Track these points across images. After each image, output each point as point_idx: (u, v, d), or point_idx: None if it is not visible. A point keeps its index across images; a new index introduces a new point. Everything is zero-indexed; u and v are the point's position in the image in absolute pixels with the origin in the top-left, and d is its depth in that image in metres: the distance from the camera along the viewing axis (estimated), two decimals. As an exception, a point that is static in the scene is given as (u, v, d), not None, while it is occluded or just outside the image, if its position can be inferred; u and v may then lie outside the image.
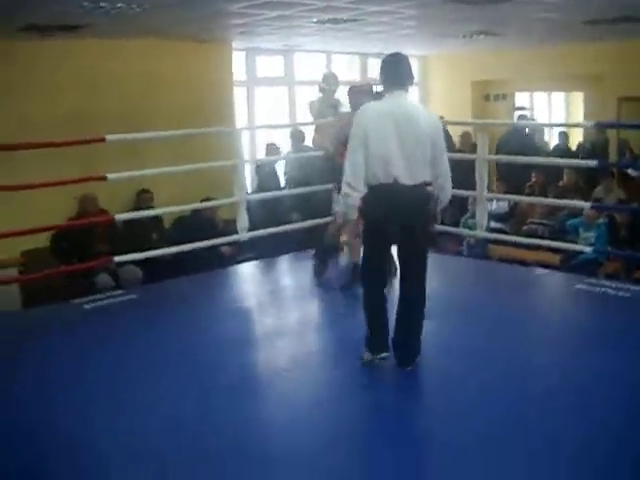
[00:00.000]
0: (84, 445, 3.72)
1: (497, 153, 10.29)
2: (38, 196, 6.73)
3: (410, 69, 4.49)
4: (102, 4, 6.09)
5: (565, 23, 8.43)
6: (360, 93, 6.26)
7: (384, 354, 4.47)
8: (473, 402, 4.04)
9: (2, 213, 6.92)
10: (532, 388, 4.24)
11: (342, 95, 6.91)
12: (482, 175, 7.01)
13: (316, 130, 7.59)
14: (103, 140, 6.23)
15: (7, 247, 7.15)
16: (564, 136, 11.74)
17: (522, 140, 11.00)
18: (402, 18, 7.85)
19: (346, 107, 7.68)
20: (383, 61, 4.49)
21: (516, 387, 4.23)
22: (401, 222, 4.35)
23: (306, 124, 8.81)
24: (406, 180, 4.28)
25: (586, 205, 7.31)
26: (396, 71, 4.42)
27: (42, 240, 7.66)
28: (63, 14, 6.52)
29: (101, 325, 5.65)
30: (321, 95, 7.63)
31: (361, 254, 4.86)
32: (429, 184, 4.40)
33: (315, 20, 7.89)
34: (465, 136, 11.49)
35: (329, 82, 7.52)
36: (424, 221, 4.46)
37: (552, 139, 12.79)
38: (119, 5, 6.21)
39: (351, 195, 4.31)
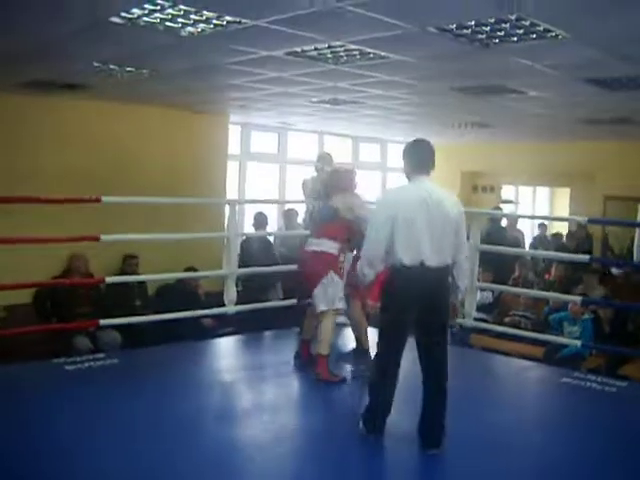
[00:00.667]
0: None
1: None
2: (24, 251, 6.69)
3: (433, 155, 4.56)
4: (112, 66, 6.15)
5: (558, 120, 8.63)
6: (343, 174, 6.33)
7: (378, 435, 4.46)
8: None
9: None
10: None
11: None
12: (473, 265, 7.02)
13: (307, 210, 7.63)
14: (99, 201, 6.19)
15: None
16: (543, 227, 11.91)
17: (498, 232, 11.13)
18: (404, 104, 8.00)
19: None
20: (409, 146, 4.58)
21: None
22: (425, 303, 4.34)
23: (296, 202, 8.84)
24: (432, 263, 4.29)
25: (576, 299, 7.33)
26: (421, 156, 4.51)
27: (25, 296, 7.57)
28: (71, 73, 6.57)
29: (82, 388, 5.51)
30: (315, 174, 7.70)
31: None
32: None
33: (315, 99, 8.01)
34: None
35: (324, 162, 7.59)
36: (447, 301, 4.48)
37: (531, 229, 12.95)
38: (129, 69, 6.27)
39: (370, 276, 4.38)
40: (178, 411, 5.07)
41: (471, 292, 7.17)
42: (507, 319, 9.35)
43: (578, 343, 7.13)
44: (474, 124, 9.66)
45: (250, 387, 5.84)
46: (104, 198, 6.25)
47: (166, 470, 4.09)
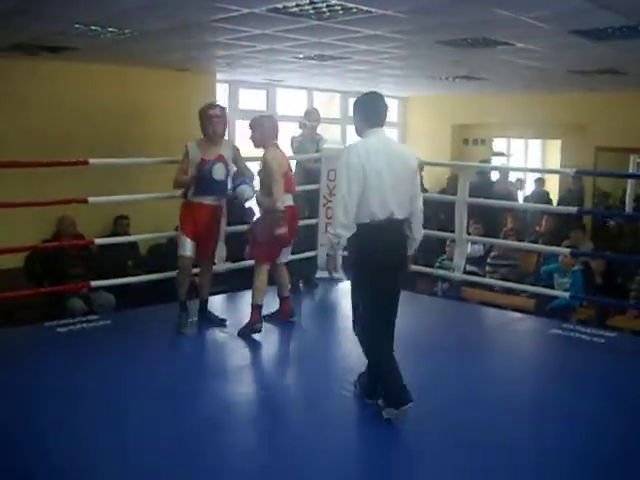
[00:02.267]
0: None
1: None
2: (13, 216, 6.68)
3: (387, 108, 4.51)
4: (93, 27, 6.08)
5: (549, 72, 8.57)
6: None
7: (410, 404, 4.24)
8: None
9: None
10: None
11: (324, 131, 7.04)
12: (462, 217, 7.03)
13: (297, 165, 7.60)
14: (86, 163, 6.19)
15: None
16: (540, 182, 11.86)
17: (485, 185, 11.13)
18: (390, 58, 7.93)
19: (328, 142, 7.78)
20: (361, 100, 4.46)
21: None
22: (394, 257, 4.35)
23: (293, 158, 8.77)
24: (399, 215, 4.30)
25: (565, 251, 7.36)
26: (376, 110, 4.42)
27: (16, 260, 7.57)
28: (53, 35, 6.50)
29: (75, 349, 5.56)
30: (302, 131, 7.69)
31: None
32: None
33: (302, 56, 7.94)
34: (452, 179, 11.50)
35: (310, 118, 7.58)
36: (406, 259, 4.49)
37: (528, 185, 12.91)
38: (111, 29, 6.21)
39: (344, 236, 4.23)
40: (171, 370, 5.13)
41: (460, 244, 7.20)
42: (488, 268, 9.38)
43: (566, 294, 7.18)
44: (463, 77, 9.58)
45: (243, 345, 5.88)
46: (91, 160, 6.26)
47: (159, 430, 4.15)
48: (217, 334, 6.06)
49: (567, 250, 7.37)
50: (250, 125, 6.03)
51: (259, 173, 5.97)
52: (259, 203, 6.00)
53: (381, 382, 4.37)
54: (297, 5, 5.21)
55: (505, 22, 5.59)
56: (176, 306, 6.11)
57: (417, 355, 5.31)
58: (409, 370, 4.34)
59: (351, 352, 5.18)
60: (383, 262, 4.27)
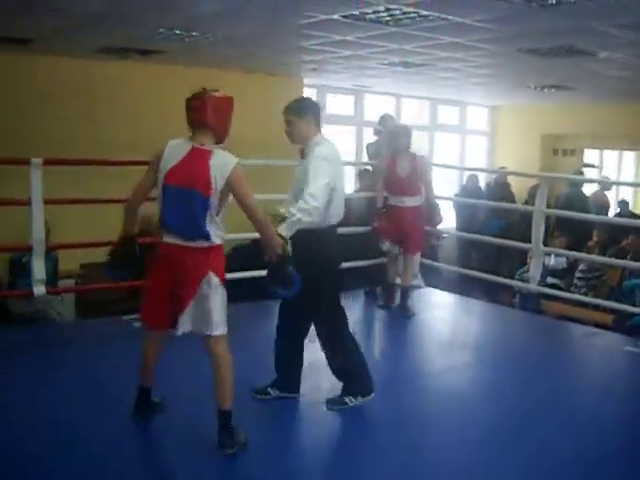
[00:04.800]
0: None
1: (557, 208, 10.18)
2: (105, 212, 6.92)
3: None
4: (177, 31, 6.28)
5: (636, 81, 8.37)
6: (399, 135, 6.67)
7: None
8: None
9: (67, 226, 7.14)
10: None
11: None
12: (538, 228, 6.93)
13: (373, 171, 7.64)
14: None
15: (69, 259, 7.38)
16: (625, 204, 11.53)
17: (578, 197, 10.90)
18: (474, 66, 7.90)
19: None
20: (312, 103, 4.43)
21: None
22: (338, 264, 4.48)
23: (367, 163, 8.81)
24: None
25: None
26: (319, 113, 4.36)
27: (101, 255, 7.83)
28: (139, 39, 6.75)
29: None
30: (377, 137, 7.68)
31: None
32: None
33: (386, 62, 7.98)
34: (534, 189, 11.32)
35: (385, 124, 7.54)
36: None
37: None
38: (194, 34, 6.40)
39: (307, 223, 3.96)
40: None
41: (537, 256, 7.10)
42: (576, 281, 9.19)
43: (640, 311, 7.00)
44: (551, 86, 9.45)
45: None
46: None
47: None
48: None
49: (641, 265, 7.16)
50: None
51: None
52: None
53: (357, 375, 4.44)
54: (374, 12, 5.28)
55: (586, 31, 5.52)
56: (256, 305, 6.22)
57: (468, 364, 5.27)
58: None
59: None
60: (337, 265, 4.40)
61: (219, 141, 3.83)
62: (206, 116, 3.75)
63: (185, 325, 3.78)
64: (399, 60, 7.82)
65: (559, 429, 4.32)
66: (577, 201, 10.51)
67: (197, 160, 3.63)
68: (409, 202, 6.74)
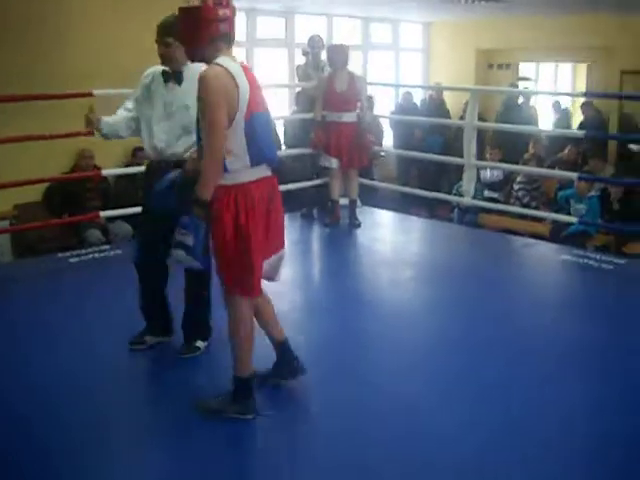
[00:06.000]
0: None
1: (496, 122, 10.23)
2: (32, 150, 6.75)
3: None
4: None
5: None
6: (336, 52, 6.89)
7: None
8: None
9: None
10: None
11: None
12: (470, 142, 6.97)
13: (301, 93, 7.62)
14: (91, 95, 6.17)
15: (1, 200, 7.20)
16: (557, 105, 11.65)
17: (515, 108, 10.99)
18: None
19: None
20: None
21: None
22: None
23: (297, 85, 8.69)
24: None
25: (573, 175, 7.25)
26: None
27: (35, 194, 7.70)
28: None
29: (82, 277, 5.70)
30: (305, 58, 7.66)
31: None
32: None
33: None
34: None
35: (314, 45, 7.53)
36: None
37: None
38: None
39: None
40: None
41: (469, 169, 7.16)
42: (514, 193, 9.33)
43: (574, 220, 7.13)
44: (481, -1, 9.36)
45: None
46: (95, 91, 6.24)
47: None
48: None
49: (575, 174, 7.25)
50: None
51: None
52: None
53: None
54: None
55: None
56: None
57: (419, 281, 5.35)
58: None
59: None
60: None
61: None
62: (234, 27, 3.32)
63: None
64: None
65: (496, 337, 4.45)
66: (513, 112, 10.59)
67: (253, 79, 3.33)
68: (346, 118, 6.94)
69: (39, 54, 7.72)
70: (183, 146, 3.96)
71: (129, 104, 4.22)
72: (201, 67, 3.55)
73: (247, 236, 3.25)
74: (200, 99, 3.17)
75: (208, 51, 3.27)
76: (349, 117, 6.94)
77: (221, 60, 3.22)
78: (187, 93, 3.84)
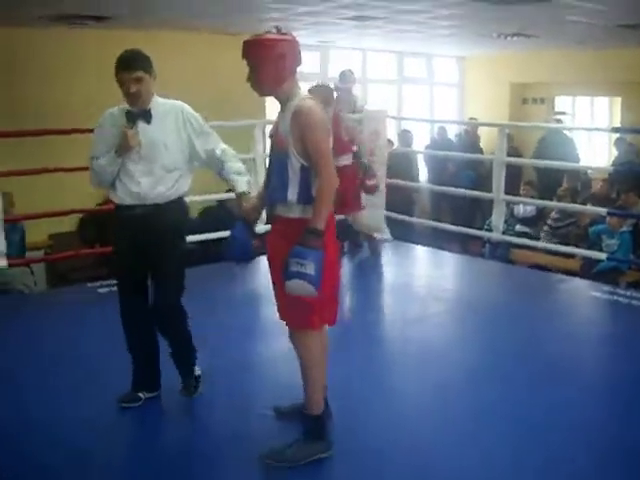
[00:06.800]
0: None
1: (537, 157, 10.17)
2: (67, 181, 6.87)
3: None
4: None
5: (597, 27, 8.32)
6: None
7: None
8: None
9: (34, 197, 7.08)
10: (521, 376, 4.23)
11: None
12: (499, 177, 6.95)
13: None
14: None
15: (37, 231, 7.35)
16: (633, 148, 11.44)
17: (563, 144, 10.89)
18: (434, 18, 7.84)
19: (363, 103, 7.77)
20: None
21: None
22: None
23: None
24: None
25: (603, 211, 7.19)
26: None
27: (70, 224, 7.84)
28: (90, 3, 6.66)
29: (108, 309, 5.74)
30: (336, 93, 7.66)
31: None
32: None
33: (341, 17, 7.91)
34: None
35: (345, 79, 7.54)
36: None
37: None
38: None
39: None
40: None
41: (498, 205, 7.14)
42: (545, 227, 9.25)
43: (603, 256, 7.05)
44: (513, 34, 9.38)
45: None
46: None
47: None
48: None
49: (604, 210, 7.19)
50: None
51: None
52: None
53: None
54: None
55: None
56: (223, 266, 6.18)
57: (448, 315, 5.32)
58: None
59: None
60: None
61: None
62: None
63: None
64: (353, 14, 7.76)
65: (530, 375, 4.36)
66: (556, 147, 10.49)
67: None
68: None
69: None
70: (166, 187, 3.70)
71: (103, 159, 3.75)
72: (165, 102, 3.73)
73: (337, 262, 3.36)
74: (301, 131, 3.13)
75: (291, 84, 3.27)
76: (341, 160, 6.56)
77: (304, 94, 3.27)
78: (161, 131, 3.66)
